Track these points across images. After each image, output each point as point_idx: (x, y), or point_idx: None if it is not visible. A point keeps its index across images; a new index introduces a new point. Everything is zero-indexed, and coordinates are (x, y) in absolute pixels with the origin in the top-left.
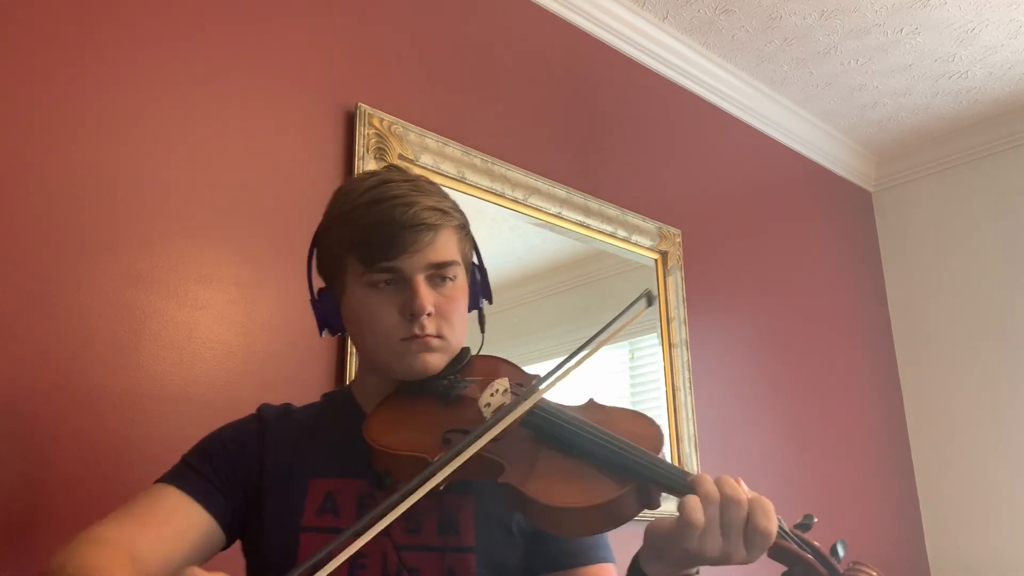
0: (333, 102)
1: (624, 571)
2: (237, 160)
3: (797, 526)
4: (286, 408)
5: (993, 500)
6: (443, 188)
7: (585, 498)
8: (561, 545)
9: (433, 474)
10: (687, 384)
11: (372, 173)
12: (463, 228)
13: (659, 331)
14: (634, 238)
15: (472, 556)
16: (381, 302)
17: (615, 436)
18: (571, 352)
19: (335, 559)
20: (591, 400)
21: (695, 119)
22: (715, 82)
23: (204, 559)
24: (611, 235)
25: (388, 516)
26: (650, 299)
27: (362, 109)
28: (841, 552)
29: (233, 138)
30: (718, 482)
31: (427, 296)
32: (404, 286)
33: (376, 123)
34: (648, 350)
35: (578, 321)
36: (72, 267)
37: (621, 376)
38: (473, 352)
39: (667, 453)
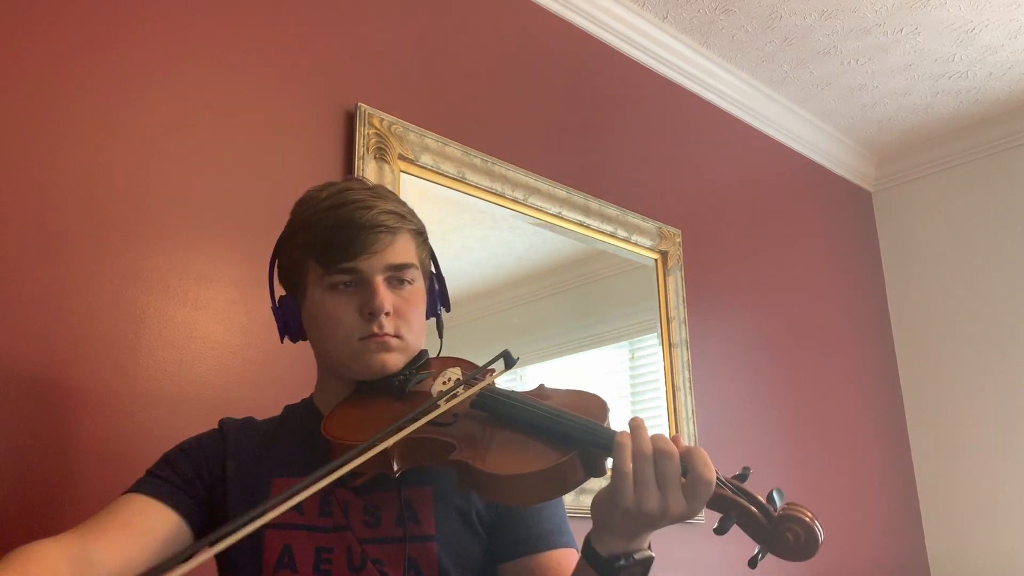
0: (333, 102)
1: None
2: (237, 160)
3: (735, 477)
4: (248, 420)
5: (993, 500)
6: (443, 190)
7: (532, 465)
8: (522, 532)
9: (373, 444)
10: (687, 384)
11: (331, 183)
12: (421, 235)
13: (659, 331)
14: (634, 238)
15: (433, 544)
16: (340, 303)
17: (559, 408)
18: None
19: (277, 508)
20: (541, 385)
21: (695, 119)
22: (715, 82)
23: None
24: (611, 235)
25: (341, 469)
26: (508, 362)
27: (362, 109)
28: (778, 500)
29: (233, 138)
30: (652, 439)
31: (385, 296)
32: (363, 287)
33: (376, 123)
34: (648, 350)
35: (578, 321)
36: (72, 267)
37: (621, 376)
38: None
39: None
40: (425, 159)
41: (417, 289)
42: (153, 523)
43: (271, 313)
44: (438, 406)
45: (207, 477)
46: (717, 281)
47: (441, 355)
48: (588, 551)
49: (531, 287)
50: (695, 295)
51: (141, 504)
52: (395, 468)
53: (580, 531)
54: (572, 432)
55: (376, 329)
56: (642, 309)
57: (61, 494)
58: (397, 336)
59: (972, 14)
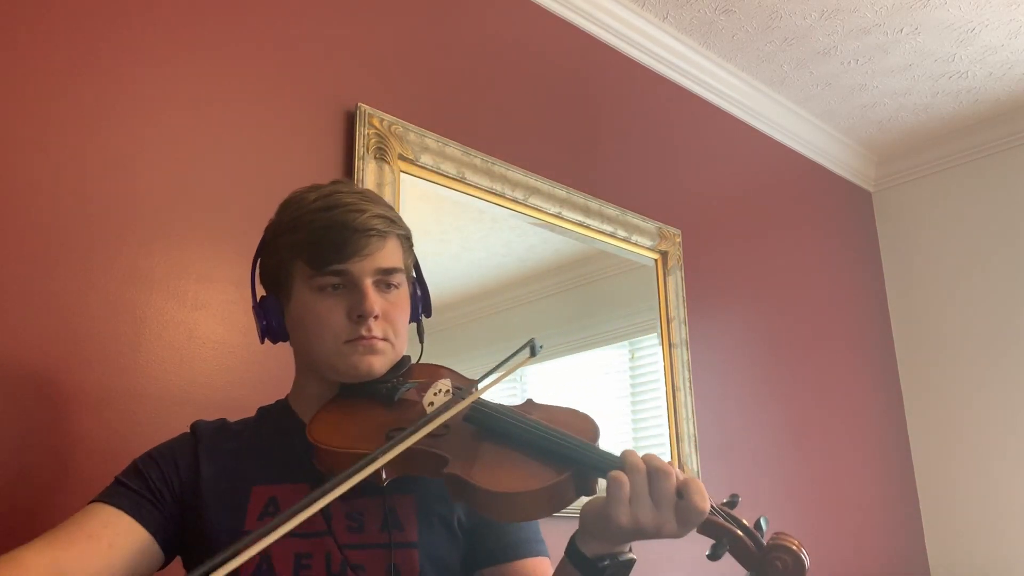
0: (333, 102)
1: (560, 557)
2: (237, 160)
3: (724, 504)
4: (221, 422)
5: (993, 501)
6: (443, 190)
7: (527, 484)
8: (499, 540)
9: (374, 460)
10: (687, 384)
11: (317, 186)
12: (408, 240)
13: (659, 331)
14: (634, 238)
15: (416, 552)
16: (328, 306)
17: (554, 428)
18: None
19: (276, 531)
20: (529, 400)
21: (695, 119)
22: (715, 82)
23: (140, 574)
24: (611, 235)
25: (329, 495)
26: (533, 350)
27: (362, 109)
28: (764, 526)
29: (233, 138)
30: (646, 457)
31: (375, 299)
32: (352, 290)
33: (376, 123)
34: (648, 350)
35: (578, 321)
36: (72, 267)
37: (621, 376)
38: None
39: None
40: (425, 159)
41: (403, 294)
42: (120, 538)
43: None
44: (435, 419)
45: (177, 487)
46: (717, 281)
47: (422, 361)
48: (573, 552)
49: (531, 287)
50: (695, 295)
51: (108, 516)
52: (384, 477)
53: (562, 531)
54: (567, 453)
55: (364, 332)
56: (642, 309)
57: (61, 494)
58: (384, 339)
59: (972, 14)
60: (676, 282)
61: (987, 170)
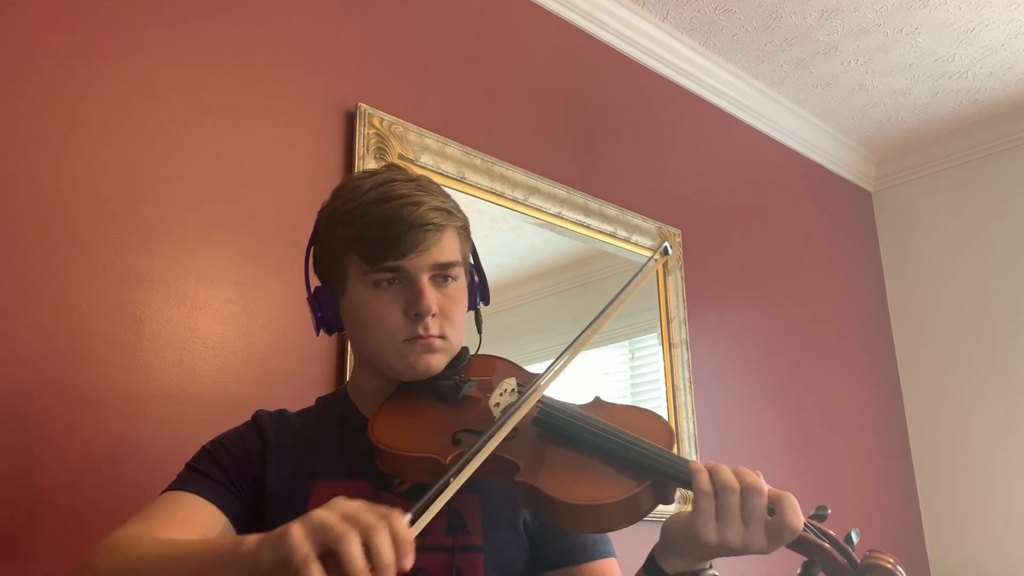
0: (333, 102)
1: (635, 567)
2: (237, 160)
3: (812, 516)
4: (282, 413)
5: (993, 500)
6: (444, 188)
7: (605, 495)
8: (567, 541)
9: (459, 472)
10: (687, 384)
11: (373, 172)
12: (465, 229)
13: (659, 331)
14: (634, 238)
15: (480, 556)
16: (385, 302)
17: (628, 433)
18: (582, 330)
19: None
20: (597, 398)
21: (695, 119)
22: (715, 82)
23: None
24: (611, 235)
25: (423, 518)
26: (665, 249)
27: (362, 109)
28: (855, 539)
29: (233, 138)
30: (736, 472)
31: (432, 296)
32: (408, 286)
33: (376, 123)
34: (648, 350)
35: (578, 321)
36: (72, 267)
37: (621, 376)
38: (472, 352)
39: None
40: (425, 159)
41: (460, 286)
42: (208, 527)
43: (271, 313)
44: (506, 423)
45: (250, 477)
46: (717, 281)
47: (480, 351)
48: (653, 569)
49: (531, 287)
50: (695, 295)
51: (193, 505)
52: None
53: (629, 536)
54: (647, 462)
55: (421, 331)
56: (642, 309)
57: (61, 494)
58: (441, 337)
59: (972, 14)
60: (676, 282)
61: (987, 170)
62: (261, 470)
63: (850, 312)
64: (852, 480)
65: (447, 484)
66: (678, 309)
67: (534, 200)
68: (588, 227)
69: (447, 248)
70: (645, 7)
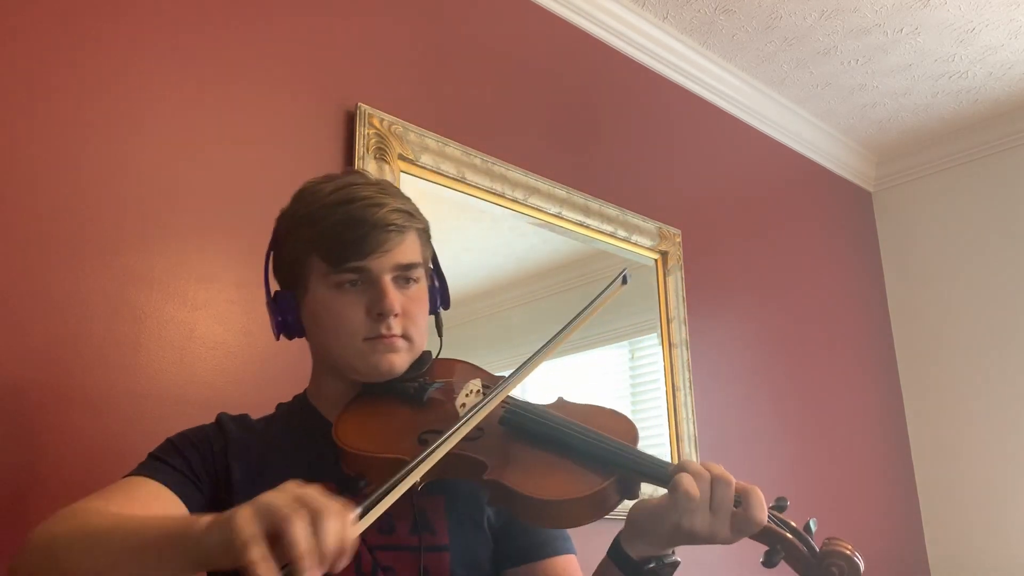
0: (333, 102)
1: (595, 565)
2: (237, 160)
3: (772, 507)
4: (243, 418)
5: (993, 500)
6: (443, 190)
7: (572, 490)
8: (528, 538)
9: (415, 469)
10: (687, 384)
11: (333, 176)
12: (426, 232)
13: (659, 331)
14: (634, 238)
15: (447, 555)
16: (347, 303)
17: (594, 430)
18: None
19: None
20: (560, 398)
21: (695, 119)
22: (715, 82)
23: None
24: (611, 235)
25: (374, 510)
26: (624, 279)
27: (362, 109)
28: (814, 528)
29: (233, 138)
30: (705, 464)
31: (395, 296)
32: (371, 286)
33: (376, 123)
34: (648, 350)
35: None
36: (72, 267)
37: (621, 376)
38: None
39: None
40: (425, 159)
41: (422, 288)
42: (167, 512)
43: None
44: (470, 421)
45: (213, 476)
46: (717, 281)
47: (441, 355)
48: (617, 554)
49: (531, 287)
50: (695, 295)
51: (154, 489)
52: (419, 482)
53: (598, 531)
54: (611, 458)
55: (384, 330)
56: (642, 309)
57: (61, 494)
58: (404, 337)
59: (972, 14)
60: (676, 282)
61: (987, 170)
62: (224, 468)
63: (850, 312)
64: (852, 479)
65: (403, 479)
66: (678, 309)
67: (534, 200)
68: (588, 227)
69: (409, 249)
70: (645, 7)
